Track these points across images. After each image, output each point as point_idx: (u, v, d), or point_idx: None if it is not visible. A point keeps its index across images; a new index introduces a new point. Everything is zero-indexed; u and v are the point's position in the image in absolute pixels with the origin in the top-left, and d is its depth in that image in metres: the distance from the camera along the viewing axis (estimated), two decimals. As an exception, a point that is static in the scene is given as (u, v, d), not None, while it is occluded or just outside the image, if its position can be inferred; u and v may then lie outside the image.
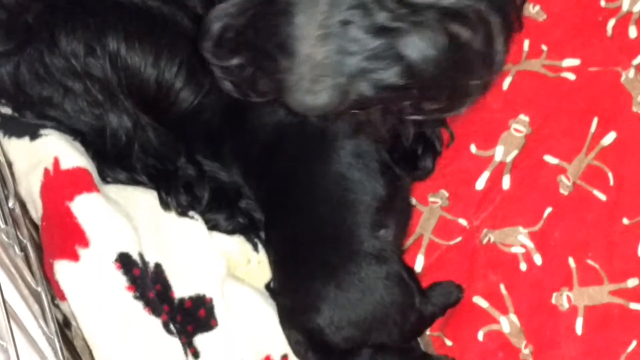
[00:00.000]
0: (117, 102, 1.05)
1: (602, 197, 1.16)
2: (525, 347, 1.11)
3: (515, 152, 1.18)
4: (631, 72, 1.21)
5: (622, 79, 1.20)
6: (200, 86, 1.07)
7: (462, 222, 1.17)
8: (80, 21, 1.01)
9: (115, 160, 1.09)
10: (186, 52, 1.05)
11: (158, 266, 1.04)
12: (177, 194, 1.08)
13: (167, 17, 1.05)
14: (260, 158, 1.10)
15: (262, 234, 1.14)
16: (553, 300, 1.12)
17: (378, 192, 1.07)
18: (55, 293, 1.00)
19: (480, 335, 1.11)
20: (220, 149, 1.13)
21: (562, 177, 1.17)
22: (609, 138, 1.18)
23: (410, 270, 1.09)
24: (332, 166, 1.06)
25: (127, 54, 1.02)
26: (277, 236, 1.10)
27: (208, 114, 1.11)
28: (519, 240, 1.15)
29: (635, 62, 1.21)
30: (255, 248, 1.13)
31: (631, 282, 1.12)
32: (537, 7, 1.24)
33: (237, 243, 1.12)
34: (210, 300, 1.05)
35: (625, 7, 1.23)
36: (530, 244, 1.14)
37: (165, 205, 1.08)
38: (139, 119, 1.06)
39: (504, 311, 1.12)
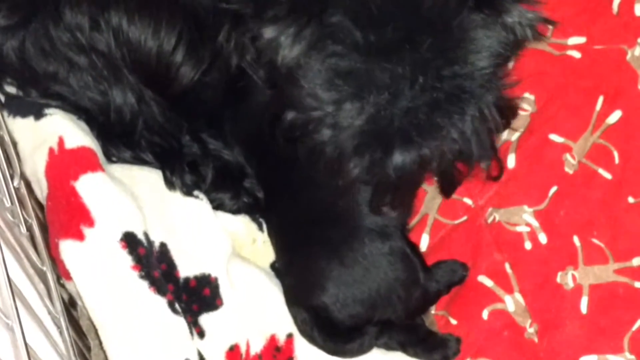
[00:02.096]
0: (121, 77, 1.04)
1: (608, 175, 1.16)
2: (530, 326, 1.11)
3: (520, 131, 1.18)
4: (637, 50, 1.20)
5: (628, 57, 1.20)
6: (200, 62, 1.06)
7: (467, 201, 1.17)
8: None
9: (120, 138, 1.09)
10: (184, 24, 1.04)
11: (163, 245, 1.04)
12: (181, 172, 1.08)
13: None
14: (260, 138, 1.10)
15: (267, 213, 1.15)
16: (558, 279, 1.12)
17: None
18: (60, 272, 1.01)
19: (485, 314, 1.11)
20: (222, 127, 1.13)
21: (568, 156, 1.17)
22: (615, 116, 1.18)
23: (414, 247, 1.09)
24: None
25: (128, 28, 1.02)
26: (280, 215, 1.11)
27: (209, 93, 1.10)
28: (524, 219, 1.15)
29: (641, 40, 1.21)
30: (261, 227, 1.13)
31: (636, 261, 1.12)
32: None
33: (243, 223, 1.13)
34: (215, 279, 1.06)
35: (631, -15, 1.23)
36: (535, 223, 1.14)
37: (170, 184, 1.08)
38: (143, 93, 1.06)
39: (509, 290, 1.12)
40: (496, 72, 0.95)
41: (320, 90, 0.91)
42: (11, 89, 1.09)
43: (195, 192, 1.09)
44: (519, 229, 1.15)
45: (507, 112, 1.02)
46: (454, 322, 1.12)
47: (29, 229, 0.98)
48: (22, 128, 1.06)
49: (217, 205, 1.12)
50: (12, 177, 0.97)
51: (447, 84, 0.90)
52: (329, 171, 0.96)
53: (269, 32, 0.91)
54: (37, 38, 1.03)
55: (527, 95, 1.19)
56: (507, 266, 1.13)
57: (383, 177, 0.94)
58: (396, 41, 0.89)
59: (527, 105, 1.19)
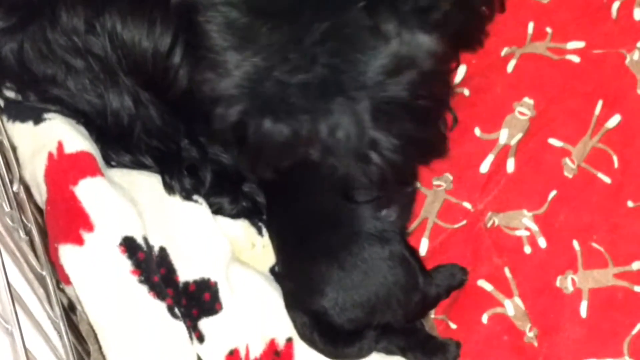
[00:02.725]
0: (117, 81, 1.04)
1: (607, 179, 1.16)
2: (530, 330, 1.11)
3: (519, 135, 1.19)
4: (636, 55, 1.21)
5: (627, 61, 1.20)
6: (198, 64, 1.06)
7: (467, 205, 1.17)
8: None
9: (118, 142, 1.09)
10: (179, 24, 1.03)
11: (162, 250, 1.04)
12: (180, 176, 1.08)
13: None
14: None
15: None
16: (557, 283, 1.12)
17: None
18: (60, 277, 1.00)
19: (484, 319, 1.11)
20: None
21: (567, 160, 1.17)
22: (614, 121, 1.18)
23: (413, 251, 1.09)
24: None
25: (122, 30, 1.02)
26: (279, 219, 1.11)
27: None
28: (523, 224, 1.15)
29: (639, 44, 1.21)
30: (260, 232, 1.13)
31: (636, 265, 1.13)
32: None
33: (242, 227, 1.13)
34: (215, 284, 1.05)
35: (630, -11, 1.24)
36: (534, 227, 1.14)
37: (169, 188, 1.08)
38: (140, 96, 1.06)
39: (509, 294, 1.12)
40: (385, 84, 0.98)
41: (214, 34, 0.96)
42: (10, 94, 1.09)
43: (195, 197, 1.09)
44: (518, 233, 1.15)
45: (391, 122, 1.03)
46: (453, 326, 1.12)
47: (28, 233, 0.98)
48: (21, 133, 1.05)
49: (217, 210, 1.11)
50: (11, 182, 0.97)
51: (321, 72, 0.93)
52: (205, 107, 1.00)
53: None
54: (35, 41, 1.03)
55: (526, 99, 1.19)
56: (507, 270, 1.13)
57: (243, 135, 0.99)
58: (281, 9, 0.93)
59: (526, 110, 1.19)
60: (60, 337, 0.95)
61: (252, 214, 1.13)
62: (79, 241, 0.98)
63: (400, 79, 1.00)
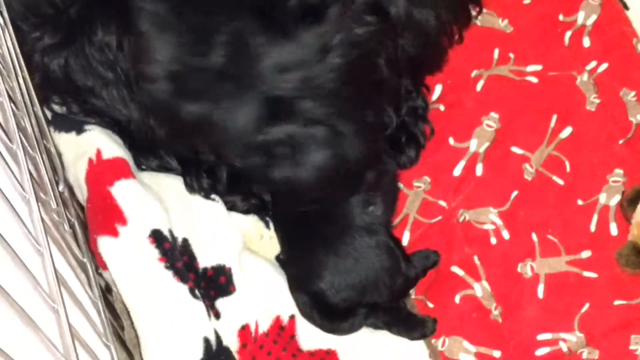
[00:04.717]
0: (136, 97, 1.02)
1: (560, 182, 1.17)
2: (495, 308, 1.11)
3: (487, 144, 1.19)
4: (585, 76, 1.21)
5: (577, 81, 1.21)
6: None
7: (442, 203, 1.17)
8: (114, 17, 0.99)
9: (147, 149, 1.08)
10: None
11: (185, 241, 1.04)
12: (200, 178, 1.08)
13: None
14: None
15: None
16: (519, 269, 1.13)
17: (365, 176, 1.06)
18: (98, 263, 1.00)
19: (457, 299, 1.11)
20: None
21: (527, 165, 1.17)
22: (566, 132, 1.19)
23: (397, 241, 1.09)
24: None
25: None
26: (283, 214, 1.10)
27: None
28: (490, 219, 1.15)
29: (588, 67, 1.22)
30: (267, 226, 1.13)
31: (585, 254, 1.13)
32: (506, 21, 1.24)
33: (252, 221, 1.12)
34: (229, 269, 1.05)
35: (580, 21, 1.24)
36: (499, 222, 1.15)
37: (190, 188, 1.08)
38: None
39: (477, 278, 1.13)
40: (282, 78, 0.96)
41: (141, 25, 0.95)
42: (57, 108, 1.09)
43: (212, 195, 1.09)
44: (485, 227, 1.15)
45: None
46: (431, 305, 1.12)
47: (72, 226, 0.98)
48: (65, 141, 1.05)
49: (230, 207, 1.11)
50: (57, 183, 0.97)
51: (226, 62, 0.93)
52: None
53: None
54: (77, 56, 1.01)
55: (492, 114, 1.19)
56: (476, 258, 1.14)
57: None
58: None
59: (492, 122, 1.19)
60: (99, 314, 0.95)
61: (260, 210, 1.13)
62: (115, 233, 0.98)
63: (290, 76, 0.97)
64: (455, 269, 1.13)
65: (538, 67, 1.22)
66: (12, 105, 0.86)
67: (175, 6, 0.95)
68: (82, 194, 1.03)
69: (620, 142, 1.18)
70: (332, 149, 0.99)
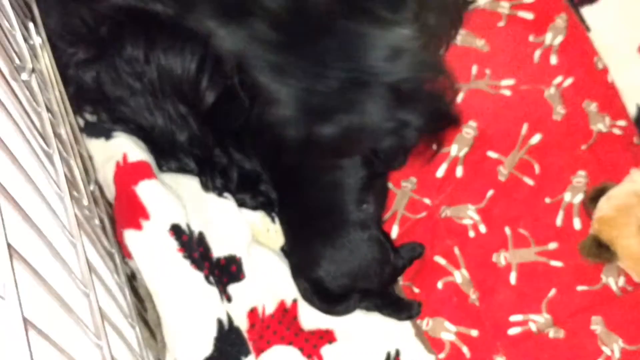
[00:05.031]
0: (161, 104, 1.03)
1: (530, 182, 1.17)
2: (473, 293, 1.11)
3: (465, 149, 1.19)
4: (552, 89, 1.21)
5: (546, 94, 1.21)
6: (219, 87, 1.05)
7: (427, 201, 1.17)
8: (141, 34, 1.00)
9: (168, 152, 1.08)
10: (206, 50, 1.02)
11: (201, 234, 1.04)
12: (214, 177, 1.08)
13: (188, 26, 1.02)
14: (272, 152, 1.10)
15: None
16: (493, 259, 1.13)
17: (360, 178, 1.06)
18: (124, 253, 1.00)
19: (439, 285, 1.12)
20: (243, 143, 1.12)
21: (501, 168, 1.17)
22: (536, 138, 1.19)
23: (386, 235, 1.09)
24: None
25: (164, 60, 1.01)
26: (287, 211, 1.11)
27: (233, 117, 1.09)
28: (468, 215, 1.15)
29: (555, 82, 1.21)
30: (273, 220, 1.13)
31: (552, 245, 1.13)
32: (483, 41, 1.24)
33: (259, 216, 1.12)
34: (240, 259, 1.05)
35: (548, 41, 1.24)
36: (477, 217, 1.15)
37: (205, 187, 1.08)
38: (180, 111, 1.04)
39: (457, 267, 1.13)
40: (394, 64, 0.94)
41: (261, 75, 0.94)
42: (88, 117, 1.09)
43: (225, 194, 1.09)
44: (464, 221, 1.15)
45: (416, 94, 0.99)
46: (416, 290, 1.12)
47: (102, 221, 0.98)
48: (96, 146, 1.05)
49: (241, 204, 1.11)
50: (89, 183, 0.97)
51: (344, 74, 0.91)
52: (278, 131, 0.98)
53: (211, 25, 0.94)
54: (108, 69, 1.02)
55: (470, 122, 1.19)
56: (456, 249, 1.14)
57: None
58: (296, 40, 0.90)
59: (470, 130, 1.19)
60: (125, 298, 0.95)
61: (267, 207, 1.13)
62: (139, 227, 0.98)
63: (399, 62, 0.96)
64: (438, 259, 1.13)
65: (511, 82, 1.22)
66: (50, 115, 0.87)
67: (285, 48, 0.93)
68: (110, 192, 1.04)
69: (583, 147, 1.18)
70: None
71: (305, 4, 0.89)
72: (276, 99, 0.96)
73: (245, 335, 1.02)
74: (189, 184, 1.09)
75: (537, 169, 1.17)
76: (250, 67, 0.95)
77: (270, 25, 0.92)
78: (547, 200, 1.15)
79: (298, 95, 0.94)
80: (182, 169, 1.10)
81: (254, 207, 1.12)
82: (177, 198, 1.03)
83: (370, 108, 0.96)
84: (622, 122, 1.20)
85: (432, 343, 1.08)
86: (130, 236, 0.99)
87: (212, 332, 0.98)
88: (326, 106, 0.94)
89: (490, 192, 1.16)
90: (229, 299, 1.04)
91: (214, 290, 1.00)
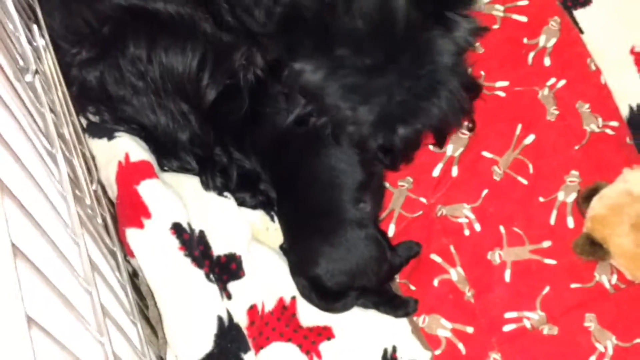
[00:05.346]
0: (163, 103, 1.03)
1: (524, 181, 1.17)
2: (468, 291, 1.11)
3: (461, 149, 1.19)
4: (546, 91, 1.21)
5: (539, 95, 1.21)
6: (220, 85, 1.05)
7: (423, 200, 1.17)
8: (143, 34, 1.00)
9: (169, 151, 1.08)
10: (206, 48, 1.02)
11: (201, 232, 1.04)
12: (214, 177, 1.08)
13: (192, 23, 1.02)
14: (271, 152, 1.10)
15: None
16: (488, 257, 1.13)
17: (357, 177, 1.06)
18: (126, 252, 1.00)
19: (435, 282, 1.11)
20: (243, 143, 1.13)
21: (495, 167, 1.17)
22: (530, 139, 1.19)
23: (383, 233, 1.09)
24: (324, 159, 1.06)
25: (166, 59, 1.01)
26: (286, 210, 1.10)
27: (234, 117, 1.10)
28: (463, 213, 1.15)
29: (548, 83, 1.22)
30: (272, 219, 1.13)
31: (545, 244, 1.13)
32: (477, 43, 1.24)
33: (259, 215, 1.12)
34: (239, 257, 1.05)
35: (541, 43, 1.24)
36: (472, 216, 1.15)
37: (206, 186, 1.08)
38: (182, 109, 1.04)
39: (453, 265, 1.13)
40: (458, 64, 0.99)
41: (340, 102, 0.96)
42: (91, 117, 1.09)
43: (225, 193, 1.09)
44: (460, 220, 1.15)
45: (473, 87, 1.04)
46: (413, 288, 1.12)
47: (104, 220, 0.98)
48: (98, 146, 1.05)
49: (240, 203, 1.11)
50: (91, 182, 0.97)
51: (424, 80, 0.95)
52: (357, 148, 1.03)
53: (297, 65, 0.93)
54: (111, 68, 1.02)
55: (466, 123, 1.19)
56: (452, 247, 1.14)
57: (394, 146, 1.02)
58: (383, 60, 0.93)
59: (466, 130, 1.19)
60: (126, 295, 0.95)
61: (266, 206, 1.13)
62: (141, 226, 0.98)
63: (463, 59, 1.00)
64: (434, 257, 1.13)
65: (505, 83, 1.22)
66: (53, 115, 0.86)
67: (368, 70, 0.95)
68: (112, 191, 1.04)
69: (576, 147, 1.18)
70: None
71: (389, 24, 0.91)
72: (355, 120, 0.99)
73: (245, 332, 1.02)
74: (190, 183, 1.08)
75: (531, 168, 1.17)
76: (328, 94, 0.97)
77: (354, 50, 0.94)
78: (541, 199, 1.15)
79: (378, 111, 0.98)
80: (183, 168, 1.10)
81: (254, 206, 1.12)
82: (178, 197, 1.02)
83: (437, 110, 1.01)
84: (614, 123, 1.20)
85: (428, 339, 1.08)
86: (132, 235, 0.99)
87: (213, 329, 0.98)
88: (402, 114, 0.98)
89: (485, 192, 1.16)
90: (229, 297, 1.04)
91: (214, 288, 1.00)
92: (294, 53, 0.97)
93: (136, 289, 1.05)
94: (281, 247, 1.12)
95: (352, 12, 0.91)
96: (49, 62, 0.94)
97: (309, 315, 1.07)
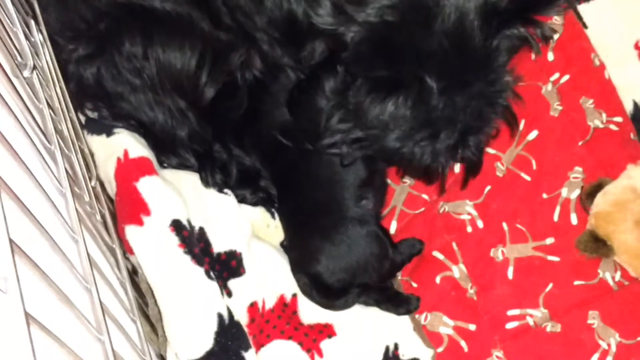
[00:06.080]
0: (161, 100, 1.03)
1: (528, 178, 1.17)
2: (471, 288, 1.11)
3: (463, 145, 1.18)
4: (549, 86, 1.21)
5: (543, 91, 1.21)
6: (218, 83, 1.05)
7: (425, 196, 1.17)
8: (138, 30, 1.00)
9: (168, 148, 1.08)
10: (204, 46, 1.02)
11: (201, 229, 1.04)
12: (213, 173, 1.08)
13: (190, 21, 1.02)
14: (271, 148, 1.10)
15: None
16: (491, 254, 1.13)
17: (359, 174, 1.06)
18: (125, 249, 1.00)
19: (437, 279, 1.11)
20: (243, 140, 1.12)
21: (498, 164, 1.17)
22: (533, 134, 1.19)
23: (384, 230, 1.09)
24: (324, 155, 1.05)
25: (164, 57, 1.00)
26: (287, 207, 1.10)
27: (233, 114, 1.10)
28: (466, 210, 1.15)
29: (552, 78, 1.21)
30: (273, 216, 1.13)
31: (549, 241, 1.13)
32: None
33: (259, 212, 1.12)
34: (240, 254, 1.05)
35: (545, 38, 1.23)
36: (474, 212, 1.15)
37: (205, 183, 1.08)
38: (180, 105, 1.04)
39: (455, 262, 1.13)
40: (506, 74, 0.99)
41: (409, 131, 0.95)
42: (89, 113, 1.09)
43: (225, 190, 1.09)
44: (462, 217, 1.15)
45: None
46: (415, 285, 1.12)
47: (103, 217, 0.98)
48: (97, 143, 1.05)
49: (241, 199, 1.11)
50: (90, 179, 0.98)
51: (490, 95, 0.95)
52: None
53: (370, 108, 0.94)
54: (108, 65, 1.01)
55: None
56: (454, 244, 1.14)
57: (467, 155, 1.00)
58: (456, 83, 0.91)
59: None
60: (126, 292, 0.95)
61: (267, 203, 1.13)
62: (140, 223, 0.99)
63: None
64: (436, 254, 1.13)
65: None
66: (51, 111, 0.87)
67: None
68: (111, 188, 1.04)
69: (580, 143, 1.18)
70: None
71: (462, 44, 0.89)
72: (410, 147, 0.97)
73: (246, 329, 1.02)
74: (189, 180, 1.08)
75: (534, 164, 1.17)
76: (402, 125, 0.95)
77: (438, 74, 0.92)
78: (544, 195, 1.15)
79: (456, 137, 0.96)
80: (183, 165, 1.10)
81: (254, 203, 1.13)
82: (177, 194, 1.02)
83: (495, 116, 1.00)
84: (618, 119, 1.20)
85: (431, 337, 1.08)
86: (131, 232, 0.99)
87: (213, 326, 0.98)
88: (463, 130, 0.96)
89: (487, 188, 1.16)
90: (229, 294, 1.04)
91: (214, 285, 1.00)
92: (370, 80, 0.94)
93: (136, 286, 1.05)
94: (282, 244, 1.12)
95: (433, 32, 0.87)
96: (47, 57, 0.94)
97: (310, 312, 1.07)
